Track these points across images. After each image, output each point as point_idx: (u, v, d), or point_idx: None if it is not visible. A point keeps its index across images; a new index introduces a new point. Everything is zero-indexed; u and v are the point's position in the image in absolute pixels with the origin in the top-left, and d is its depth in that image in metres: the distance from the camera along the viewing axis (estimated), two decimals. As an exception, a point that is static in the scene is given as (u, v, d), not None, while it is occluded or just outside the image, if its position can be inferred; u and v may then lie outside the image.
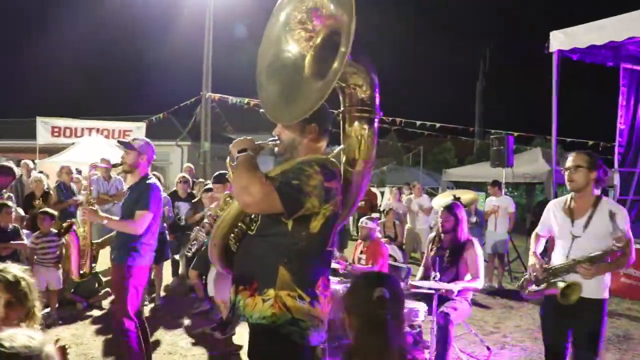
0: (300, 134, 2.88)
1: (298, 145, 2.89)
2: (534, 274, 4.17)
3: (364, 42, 2.90)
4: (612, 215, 3.87)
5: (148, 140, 4.82)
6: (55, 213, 7.22)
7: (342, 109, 2.98)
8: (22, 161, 11.31)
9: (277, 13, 2.98)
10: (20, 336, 1.65)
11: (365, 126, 2.93)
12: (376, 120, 2.98)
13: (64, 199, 8.98)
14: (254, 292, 2.70)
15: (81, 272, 4.78)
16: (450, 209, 5.75)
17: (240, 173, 2.65)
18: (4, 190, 7.43)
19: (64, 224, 4.97)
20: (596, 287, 3.94)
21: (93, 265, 4.90)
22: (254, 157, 2.74)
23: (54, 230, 6.87)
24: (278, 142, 2.93)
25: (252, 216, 2.87)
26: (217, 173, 6.61)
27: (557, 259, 4.14)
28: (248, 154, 2.73)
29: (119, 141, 4.88)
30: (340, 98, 2.98)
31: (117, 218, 4.75)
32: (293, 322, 2.64)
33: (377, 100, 2.96)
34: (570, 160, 4.02)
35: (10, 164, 8.09)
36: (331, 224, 2.75)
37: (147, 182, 4.64)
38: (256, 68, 3.03)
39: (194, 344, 6.13)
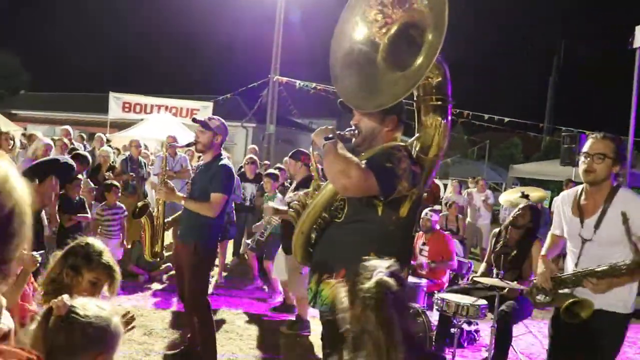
0: (380, 124, 2.94)
1: (377, 135, 2.96)
2: (540, 282, 3.53)
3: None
4: (625, 219, 3.12)
5: (223, 120, 4.74)
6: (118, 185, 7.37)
7: (415, 99, 2.97)
8: (96, 134, 11.68)
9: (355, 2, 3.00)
10: (92, 306, 1.68)
11: (440, 115, 2.91)
12: (449, 107, 2.96)
13: (127, 171, 9.18)
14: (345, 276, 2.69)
15: (154, 250, 4.86)
16: (534, 209, 5.60)
17: (334, 158, 2.69)
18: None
19: (139, 204, 5.05)
20: (615, 297, 3.25)
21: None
22: (340, 144, 2.78)
23: (119, 204, 7.04)
24: (356, 132, 2.96)
25: (339, 204, 2.91)
26: (295, 150, 6.51)
27: (568, 266, 3.54)
28: (335, 140, 2.76)
29: (194, 119, 4.79)
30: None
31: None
32: None
33: (449, 88, 2.94)
34: (591, 145, 3.28)
35: (84, 149, 8.34)
36: (416, 208, 2.82)
37: (221, 162, 4.58)
38: (330, 58, 3.04)
39: (250, 324, 6.19)
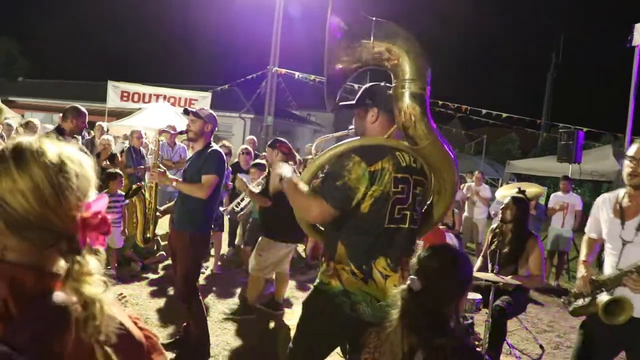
0: (364, 119, 3.07)
1: (365, 129, 3.07)
2: (580, 287, 3.51)
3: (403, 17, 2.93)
4: None
5: (212, 112, 4.91)
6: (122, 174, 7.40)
7: (392, 86, 2.94)
8: (97, 123, 11.66)
9: None
10: None
11: (414, 101, 2.82)
12: (424, 93, 2.86)
13: (131, 164, 9.21)
14: (326, 261, 2.98)
15: (145, 236, 4.92)
16: (518, 200, 5.59)
17: (293, 197, 2.94)
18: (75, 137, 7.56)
19: (133, 186, 5.09)
20: None
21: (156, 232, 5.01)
22: (296, 181, 2.98)
23: (120, 192, 7.04)
24: (352, 130, 3.17)
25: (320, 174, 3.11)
26: (273, 139, 6.64)
27: (607, 268, 3.50)
28: (290, 178, 2.98)
29: (185, 109, 4.94)
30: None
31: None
32: (344, 294, 2.86)
33: (424, 72, 2.86)
34: (637, 149, 3.30)
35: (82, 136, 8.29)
36: (382, 203, 2.84)
37: (212, 149, 4.72)
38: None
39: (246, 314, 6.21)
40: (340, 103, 3.16)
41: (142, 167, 9.30)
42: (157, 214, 4.98)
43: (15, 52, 41.42)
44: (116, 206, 6.98)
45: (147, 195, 4.89)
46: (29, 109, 27.77)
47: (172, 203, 5.12)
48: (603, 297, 3.31)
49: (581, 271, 3.56)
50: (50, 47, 50.35)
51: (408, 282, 1.97)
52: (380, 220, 2.86)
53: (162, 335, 5.25)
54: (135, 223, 5.01)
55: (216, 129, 4.89)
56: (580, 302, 3.52)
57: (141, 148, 9.67)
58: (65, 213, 1.18)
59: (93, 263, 1.21)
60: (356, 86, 11.56)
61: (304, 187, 2.95)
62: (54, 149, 1.23)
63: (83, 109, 5.89)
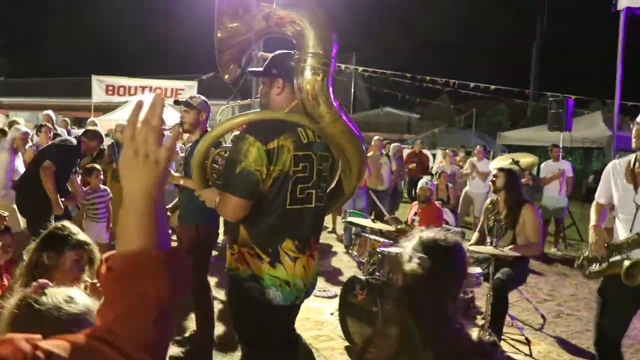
0: (269, 90, 2.90)
1: (270, 102, 2.91)
2: (594, 251, 3.59)
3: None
4: None
5: (204, 98, 4.76)
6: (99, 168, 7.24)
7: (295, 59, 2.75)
8: (89, 119, 11.52)
9: None
10: (63, 295, 1.56)
11: (315, 76, 2.66)
12: (327, 68, 2.69)
13: (114, 158, 9.08)
14: (230, 245, 2.88)
15: None
16: (504, 169, 5.58)
17: (209, 204, 2.91)
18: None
19: None
20: None
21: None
22: (208, 193, 2.95)
23: (103, 186, 6.94)
24: (257, 100, 3.05)
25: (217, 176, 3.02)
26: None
27: (620, 233, 3.56)
28: (212, 192, 2.91)
29: (176, 101, 4.85)
30: None
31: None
32: (253, 278, 2.74)
33: (328, 45, 2.68)
34: None
35: (68, 133, 8.20)
36: (281, 182, 2.72)
37: None
38: None
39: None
40: (248, 69, 3.04)
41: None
42: (167, 213, 4.94)
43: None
44: (101, 202, 6.88)
45: None
46: (13, 108, 27.48)
47: (176, 200, 5.10)
48: (621, 260, 3.37)
49: (592, 236, 3.62)
50: (30, 44, 49.72)
51: (415, 261, 1.79)
52: (281, 201, 2.73)
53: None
54: None
55: (210, 115, 4.74)
56: (594, 267, 3.58)
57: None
58: None
59: None
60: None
61: (212, 192, 2.91)
62: None
63: (96, 129, 5.92)
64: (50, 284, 1.60)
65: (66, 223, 2.75)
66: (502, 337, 5.12)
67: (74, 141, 6.31)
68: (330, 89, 2.72)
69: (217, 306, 5.92)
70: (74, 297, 1.54)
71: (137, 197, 1.09)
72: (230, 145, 2.99)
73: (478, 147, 12.11)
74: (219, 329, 5.18)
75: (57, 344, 0.96)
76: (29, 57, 48.27)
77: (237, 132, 3.01)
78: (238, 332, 3.04)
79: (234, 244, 2.83)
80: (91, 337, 1.00)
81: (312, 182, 2.82)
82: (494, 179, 5.50)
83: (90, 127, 5.73)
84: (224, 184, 2.77)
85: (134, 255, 1.04)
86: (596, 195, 3.84)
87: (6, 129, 9.14)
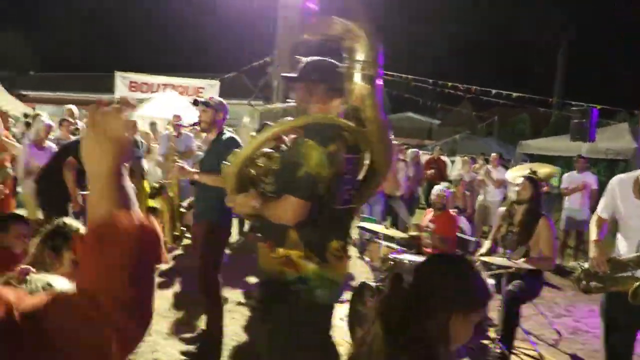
0: (308, 95, 2.93)
1: (308, 107, 2.95)
2: (595, 266, 3.48)
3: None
4: None
5: (221, 99, 4.87)
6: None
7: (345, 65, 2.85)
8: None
9: None
10: (44, 281, 1.62)
11: (366, 83, 2.75)
12: (377, 76, 2.79)
13: (138, 154, 9.11)
14: (270, 248, 2.85)
15: (174, 234, 4.89)
16: (533, 180, 5.48)
17: (267, 213, 2.80)
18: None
19: (155, 184, 5.05)
20: None
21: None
22: (242, 198, 2.90)
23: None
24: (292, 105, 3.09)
25: (266, 180, 2.96)
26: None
27: (622, 248, 3.48)
28: (248, 197, 2.87)
29: (195, 100, 4.94)
30: None
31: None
32: (301, 280, 2.75)
33: (377, 54, 2.77)
34: None
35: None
36: (334, 184, 2.75)
37: (226, 136, 4.65)
38: None
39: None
40: (282, 74, 3.08)
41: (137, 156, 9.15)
42: (181, 209, 4.97)
43: (26, 46, 41.53)
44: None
45: (170, 193, 4.87)
46: (40, 102, 27.87)
47: (191, 199, 5.14)
48: (626, 277, 3.29)
49: (593, 251, 3.55)
50: (58, 39, 50.30)
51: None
52: (332, 202, 2.79)
53: (170, 325, 5.23)
54: (162, 225, 4.97)
55: (228, 116, 4.85)
56: (594, 283, 3.49)
57: (136, 137, 9.58)
58: None
59: None
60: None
61: (245, 199, 2.88)
62: None
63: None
64: (33, 270, 1.64)
65: (68, 220, 2.74)
66: (514, 351, 5.01)
67: None
68: (380, 96, 2.80)
69: (226, 306, 5.92)
70: (54, 284, 1.59)
71: (99, 176, 1.13)
72: (274, 150, 3.00)
73: (493, 154, 11.97)
74: (228, 328, 5.16)
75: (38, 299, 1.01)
76: (60, 53, 48.78)
77: (292, 136, 3.02)
78: (272, 337, 2.98)
79: (278, 248, 2.82)
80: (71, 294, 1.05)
81: (353, 183, 2.92)
82: (520, 189, 5.40)
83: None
84: (284, 187, 2.77)
85: (99, 220, 1.08)
86: (598, 209, 3.78)
87: (30, 121, 9.28)
